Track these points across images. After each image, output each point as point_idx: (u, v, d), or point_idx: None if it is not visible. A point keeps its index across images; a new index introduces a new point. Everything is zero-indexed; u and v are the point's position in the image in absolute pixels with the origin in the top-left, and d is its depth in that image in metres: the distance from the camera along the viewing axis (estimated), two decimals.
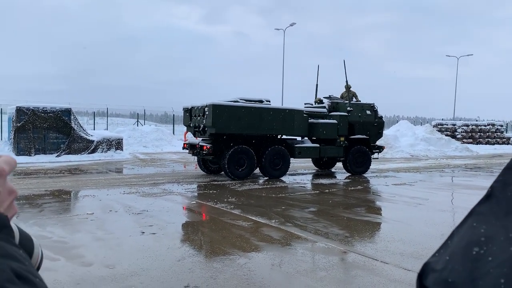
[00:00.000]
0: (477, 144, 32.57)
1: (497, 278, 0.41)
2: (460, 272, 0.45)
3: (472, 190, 10.41)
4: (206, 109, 11.37)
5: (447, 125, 34.61)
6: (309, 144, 13.22)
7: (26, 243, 0.64)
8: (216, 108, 11.20)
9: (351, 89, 14.36)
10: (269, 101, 12.60)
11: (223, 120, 11.26)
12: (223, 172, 12.12)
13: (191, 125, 12.46)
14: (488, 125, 35.10)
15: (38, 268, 0.66)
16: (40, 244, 0.69)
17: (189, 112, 12.59)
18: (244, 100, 12.18)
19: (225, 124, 11.31)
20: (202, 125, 11.66)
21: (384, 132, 16.30)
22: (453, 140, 27.25)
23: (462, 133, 33.75)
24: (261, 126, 11.81)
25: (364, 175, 13.37)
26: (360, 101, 14.26)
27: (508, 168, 0.49)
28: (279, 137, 12.78)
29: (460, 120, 38.72)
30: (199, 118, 11.84)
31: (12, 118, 16.31)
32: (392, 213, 7.60)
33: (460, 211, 7.81)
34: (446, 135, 29.75)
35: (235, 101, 11.99)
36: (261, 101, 12.38)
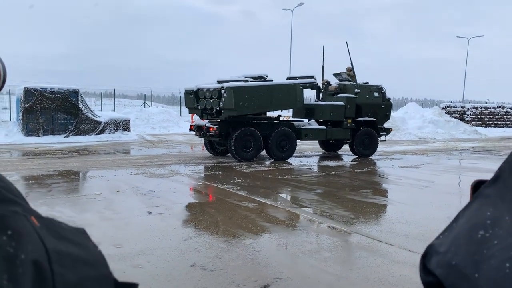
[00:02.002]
0: (486, 127, 32.25)
1: (502, 261, 0.40)
2: (463, 255, 0.44)
3: (480, 173, 10.35)
4: (223, 91, 11.25)
5: (456, 107, 34.26)
6: (315, 126, 13.17)
7: None
8: (237, 91, 11.20)
9: (350, 72, 14.19)
10: (267, 76, 12.64)
11: (242, 101, 11.33)
12: (229, 154, 12.16)
13: (198, 107, 12.33)
14: (498, 107, 34.70)
15: (3, 84, 0.64)
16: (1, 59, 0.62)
17: (193, 94, 12.41)
18: (251, 78, 12.17)
19: (244, 105, 11.41)
20: (216, 108, 11.53)
21: (392, 114, 16.18)
22: (462, 122, 27.01)
23: (471, 116, 33.43)
24: (272, 103, 11.92)
25: (371, 157, 13.33)
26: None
27: None
28: (285, 119, 12.77)
29: (469, 103, 38.29)
30: (211, 100, 11.65)
31: (20, 99, 16.39)
32: (398, 195, 7.61)
33: (466, 194, 7.77)
34: (455, 117, 29.47)
35: (245, 80, 11.93)
36: (262, 77, 12.38)
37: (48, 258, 0.44)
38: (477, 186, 0.54)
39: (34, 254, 0.42)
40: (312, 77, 13.26)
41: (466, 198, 7.64)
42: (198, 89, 12.22)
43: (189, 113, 13.44)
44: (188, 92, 12.63)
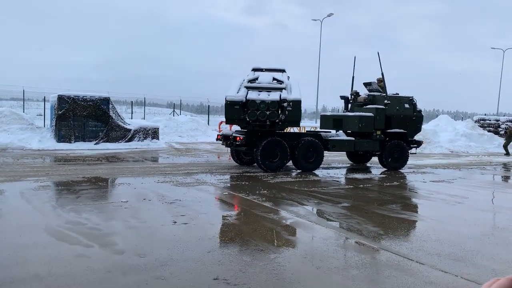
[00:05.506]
0: None
1: None
2: None
3: None
4: (286, 104, 11.34)
5: (489, 120, 33.16)
6: (343, 137, 12.97)
7: None
8: (301, 103, 11.58)
9: (381, 83, 13.86)
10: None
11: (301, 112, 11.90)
12: (255, 164, 12.09)
13: (246, 119, 11.40)
14: None
15: None
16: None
17: (239, 105, 11.34)
18: (267, 83, 11.99)
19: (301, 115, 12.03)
20: (274, 120, 11.35)
21: (423, 126, 15.78)
22: (496, 136, 26.12)
23: (506, 129, 32.26)
24: None
25: (400, 170, 13.01)
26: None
27: None
28: (312, 129, 12.66)
29: (504, 116, 37.04)
30: (268, 112, 11.25)
31: (54, 106, 16.89)
32: (429, 211, 7.34)
33: (502, 211, 7.44)
34: (489, 131, 28.54)
35: (284, 87, 11.79)
36: (275, 80, 12.35)
37: None
38: None
39: None
40: (283, 70, 12.58)
41: (501, 216, 7.28)
42: (248, 100, 11.33)
43: (226, 123, 12.57)
44: (233, 103, 11.38)
